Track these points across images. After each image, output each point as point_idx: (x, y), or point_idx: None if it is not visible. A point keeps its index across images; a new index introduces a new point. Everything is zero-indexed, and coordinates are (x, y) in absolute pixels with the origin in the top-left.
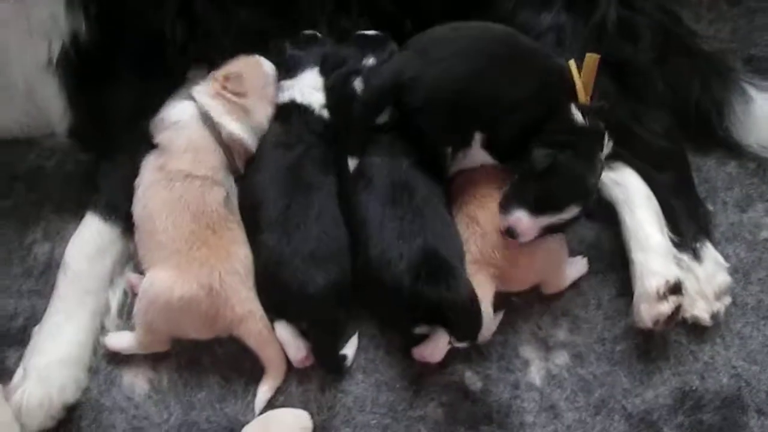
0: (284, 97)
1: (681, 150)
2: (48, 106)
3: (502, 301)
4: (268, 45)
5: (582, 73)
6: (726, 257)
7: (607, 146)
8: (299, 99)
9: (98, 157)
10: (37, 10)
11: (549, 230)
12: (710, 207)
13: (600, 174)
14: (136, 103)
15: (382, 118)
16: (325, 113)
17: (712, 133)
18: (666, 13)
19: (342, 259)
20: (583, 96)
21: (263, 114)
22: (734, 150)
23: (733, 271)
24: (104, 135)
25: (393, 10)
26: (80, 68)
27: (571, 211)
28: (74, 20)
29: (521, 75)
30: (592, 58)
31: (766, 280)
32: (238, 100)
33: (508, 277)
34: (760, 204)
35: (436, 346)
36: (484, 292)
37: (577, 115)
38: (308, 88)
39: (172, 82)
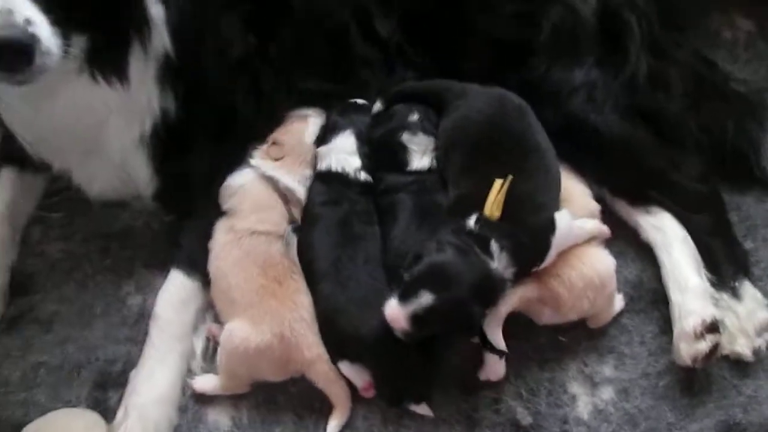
0: (322, 165)
1: (716, 192)
2: (137, 173)
3: (550, 340)
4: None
5: (499, 191)
6: (766, 294)
7: (499, 258)
8: (334, 167)
9: (179, 218)
10: (136, 94)
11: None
12: (751, 244)
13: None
14: (211, 171)
15: None
16: (362, 175)
17: (750, 172)
18: (700, 59)
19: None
20: (490, 210)
21: (300, 172)
22: None
23: None
24: (184, 199)
25: (437, 74)
26: (166, 141)
27: (425, 299)
28: (165, 101)
29: None
30: (507, 180)
31: None
32: (278, 163)
33: (561, 302)
34: None
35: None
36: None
37: (471, 221)
38: (342, 154)
39: (244, 152)
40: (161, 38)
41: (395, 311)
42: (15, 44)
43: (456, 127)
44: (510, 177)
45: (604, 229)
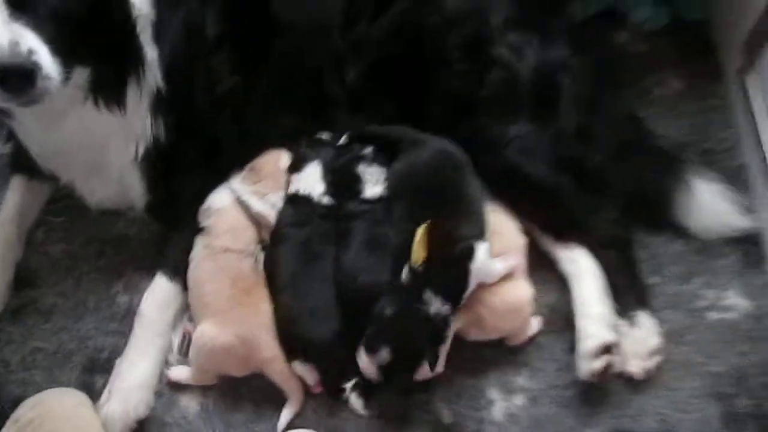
0: (292, 188)
1: (627, 234)
2: (132, 189)
3: (475, 354)
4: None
5: (421, 237)
6: (665, 322)
7: (435, 302)
8: (302, 191)
9: (167, 229)
10: (132, 121)
11: (386, 370)
12: (658, 279)
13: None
14: (195, 192)
15: None
16: (325, 199)
17: (663, 216)
18: (628, 116)
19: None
20: (416, 256)
21: (275, 197)
22: (682, 231)
23: (669, 333)
24: (171, 214)
25: (398, 118)
26: (157, 162)
27: (385, 354)
28: (157, 128)
29: None
30: (426, 226)
31: (697, 341)
32: (255, 187)
33: (484, 324)
34: (699, 278)
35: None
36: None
37: (404, 272)
38: (309, 181)
39: (225, 176)
40: (154, 75)
41: (365, 363)
42: (19, 69)
43: (403, 173)
44: (429, 222)
45: (518, 265)
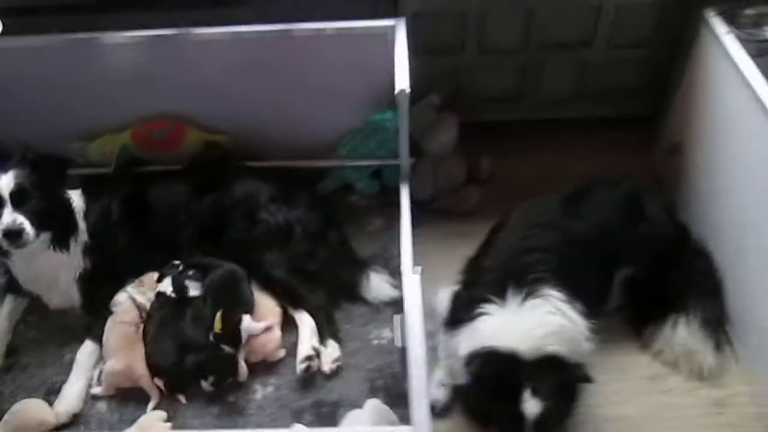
0: (158, 290)
1: (330, 305)
2: (73, 296)
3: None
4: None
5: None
6: (347, 345)
7: (227, 349)
8: (162, 290)
9: (92, 317)
10: (72, 259)
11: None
12: (348, 326)
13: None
14: (109, 294)
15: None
16: (172, 294)
17: (356, 294)
18: (342, 242)
19: (179, 351)
20: (217, 327)
21: (150, 295)
22: (365, 300)
23: (350, 352)
24: (95, 309)
25: (211, 252)
26: (86, 280)
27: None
28: (85, 263)
29: None
30: (221, 312)
31: (364, 355)
32: (140, 289)
33: (256, 354)
34: (371, 324)
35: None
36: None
37: (211, 335)
38: (165, 286)
39: (125, 284)
40: (83, 235)
41: (204, 386)
42: (15, 231)
43: (210, 283)
44: (222, 309)
45: (274, 323)
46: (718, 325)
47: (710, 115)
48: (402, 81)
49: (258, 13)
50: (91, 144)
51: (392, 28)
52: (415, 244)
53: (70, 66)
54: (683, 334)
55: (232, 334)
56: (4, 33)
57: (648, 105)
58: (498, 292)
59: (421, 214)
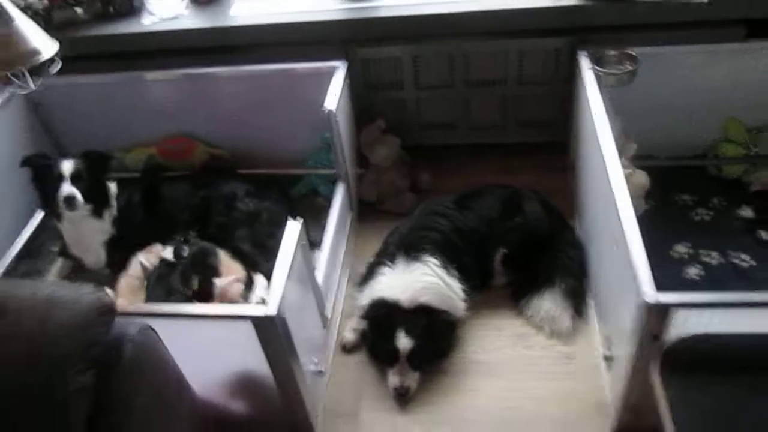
0: (162, 256)
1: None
2: (101, 256)
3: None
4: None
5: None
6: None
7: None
8: (165, 256)
9: (113, 272)
10: (104, 226)
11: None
12: None
13: None
14: (126, 257)
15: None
16: (173, 259)
17: None
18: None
19: (166, 295)
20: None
21: (154, 260)
22: None
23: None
24: (116, 266)
25: (200, 232)
26: (111, 244)
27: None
28: (112, 229)
29: None
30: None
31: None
32: (147, 256)
33: (225, 299)
34: None
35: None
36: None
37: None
38: (168, 254)
39: (138, 250)
40: (114, 210)
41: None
42: (72, 197)
43: (192, 253)
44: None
45: (237, 279)
46: (576, 297)
47: (581, 137)
48: (331, 103)
49: (246, 59)
50: (127, 154)
51: (339, 68)
52: (360, 233)
53: (119, 97)
54: (548, 303)
55: (205, 294)
56: (67, 71)
57: (559, 132)
58: (392, 258)
59: (368, 212)
